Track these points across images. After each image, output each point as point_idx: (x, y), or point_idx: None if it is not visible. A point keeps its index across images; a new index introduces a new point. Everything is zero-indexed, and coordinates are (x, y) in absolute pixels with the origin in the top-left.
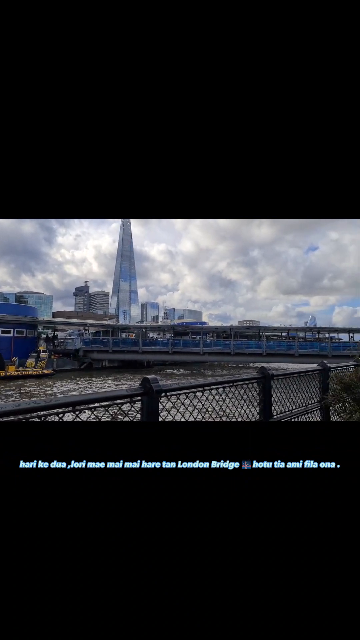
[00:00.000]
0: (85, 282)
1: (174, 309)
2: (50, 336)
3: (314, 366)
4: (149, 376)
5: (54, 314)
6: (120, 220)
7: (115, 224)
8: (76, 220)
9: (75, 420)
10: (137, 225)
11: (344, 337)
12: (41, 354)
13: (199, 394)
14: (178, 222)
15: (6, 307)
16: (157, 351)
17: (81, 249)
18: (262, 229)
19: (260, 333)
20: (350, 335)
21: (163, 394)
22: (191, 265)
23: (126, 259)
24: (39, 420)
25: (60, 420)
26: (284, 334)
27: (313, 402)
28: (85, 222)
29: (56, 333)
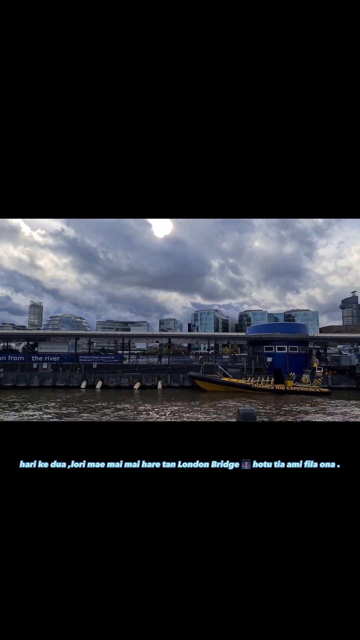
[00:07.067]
0: (353, 292)
1: None
2: (321, 352)
3: None
4: None
5: (321, 330)
6: None
7: None
8: (336, 227)
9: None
10: None
11: None
12: (316, 371)
13: None
14: None
15: (279, 327)
16: None
17: (344, 256)
18: None
19: None
20: None
21: None
22: None
23: None
24: (39, 420)
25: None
26: None
27: None
28: (346, 225)
29: (326, 349)
